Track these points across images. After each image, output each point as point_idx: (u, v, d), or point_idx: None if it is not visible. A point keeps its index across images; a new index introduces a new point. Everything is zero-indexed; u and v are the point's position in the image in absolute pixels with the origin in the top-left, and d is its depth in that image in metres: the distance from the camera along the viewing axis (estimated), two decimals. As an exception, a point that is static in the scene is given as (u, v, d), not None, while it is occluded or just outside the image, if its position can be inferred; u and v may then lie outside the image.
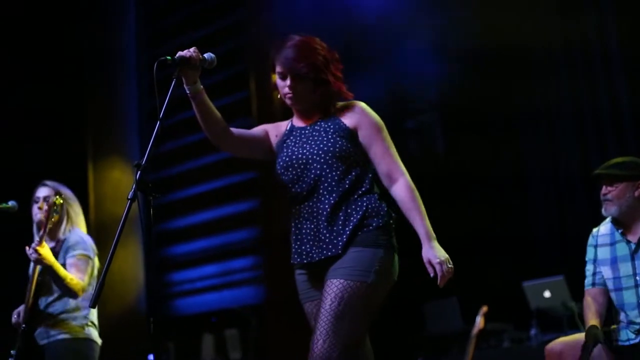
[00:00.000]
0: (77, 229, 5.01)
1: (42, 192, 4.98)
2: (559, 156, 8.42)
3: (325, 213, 3.47)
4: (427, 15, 8.69)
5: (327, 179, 3.50)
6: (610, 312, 4.64)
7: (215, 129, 3.60)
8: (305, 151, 3.55)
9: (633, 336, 4.41)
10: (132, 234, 9.80)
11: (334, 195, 3.48)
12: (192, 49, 3.46)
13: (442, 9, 8.67)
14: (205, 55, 3.50)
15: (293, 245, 3.56)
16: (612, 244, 4.58)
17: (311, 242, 3.50)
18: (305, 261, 3.51)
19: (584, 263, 4.70)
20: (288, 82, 3.56)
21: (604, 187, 4.53)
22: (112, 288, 9.10)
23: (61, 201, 4.81)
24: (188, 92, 3.51)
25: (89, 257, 4.88)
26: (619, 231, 4.55)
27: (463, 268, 8.24)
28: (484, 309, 6.86)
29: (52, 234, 4.95)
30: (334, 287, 3.36)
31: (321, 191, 3.50)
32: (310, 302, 3.59)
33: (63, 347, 4.79)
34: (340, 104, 3.67)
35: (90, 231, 8.98)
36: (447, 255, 3.44)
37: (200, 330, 9.25)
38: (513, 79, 8.43)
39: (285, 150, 3.62)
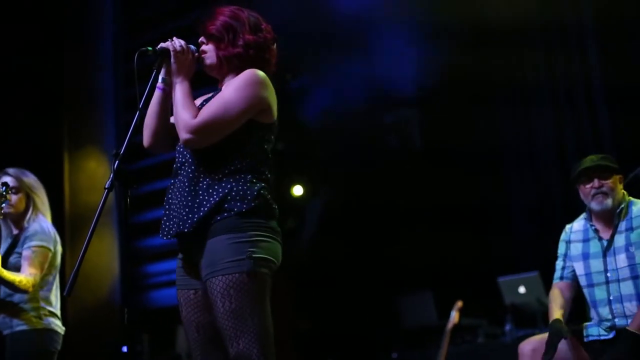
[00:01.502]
0: (41, 217, 4.94)
1: (6, 181, 4.84)
2: (538, 149, 8.45)
3: (186, 188, 3.31)
4: (404, 7, 8.69)
5: (195, 154, 3.34)
6: (582, 308, 4.67)
7: (163, 128, 3.47)
8: None
9: (605, 333, 4.43)
10: (107, 225, 9.75)
11: (196, 170, 3.31)
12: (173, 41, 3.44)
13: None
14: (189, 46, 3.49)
15: (162, 220, 3.41)
16: (585, 240, 4.60)
17: (173, 219, 3.34)
18: (165, 238, 3.36)
19: (557, 257, 4.73)
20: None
21: (596, 181, 4.50)
22: (87, 279, 9.06)
23: (7, 194, 4.71)
24: (161, 82, 3.43)
25: (46, 248, 4.80)
26: (592, 228, 4.57)
27: (438, 262, 8.38)
28: (459, 303, 6.90)
29: (18, 223, 4.91)
30: (216, 287, 3.20)
31: (187, 165, 3.36)
32: (179, 291, 3.45)
33: (22, 339, 4.74)
34: None
35: (65, 221, 9.08)
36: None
37: (175, 323, 9.21)
38: (492, 59, 8.43)
39: None
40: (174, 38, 3.42)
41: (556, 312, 4.50)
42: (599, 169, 4.52)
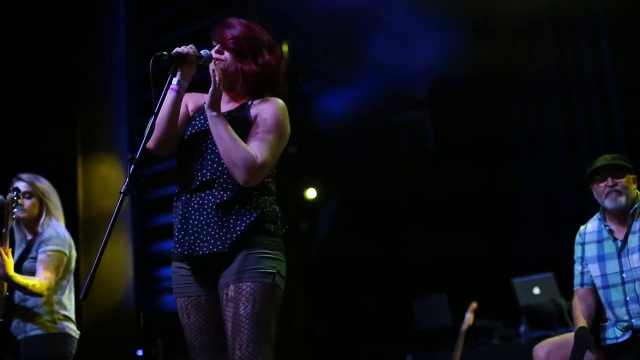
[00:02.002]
0: (55, 221, 4.96)
1: (19, 187, 4.86)
2: (551, 145, 8.41)
3: (215, 207, 3.38)
4: (413, 3, 8.67)
5: (223, 173, 3.41)
6: (600, 310, 4.65)
7: (171, 131, 3.50)
8: (207, 138, 3.46)
9: (620, 333, 4.42)
10: (121, 229, 9.77)
11: (228, 192, 3.40)
12: (189, 45, 3.46)
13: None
14: (202, 52, 3.50)
15: (176, 234, 3.46)
16: (600, 241, 4.59)
17: (196, 234, 3.40)
18: (186, 252, 3.41)
19: (573, 261, 4.71)
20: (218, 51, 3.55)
21: (609, 179, 4.51)
22: (101, 283, 9.07)
23: (18, 199, 4.72)
24: (175, 85, 3.45)
25: (61, 252, 4.82)
26: (607, 228, 4.56)
27: (452, 263, 8.36)
28: (473, 305, 6.88)
29: (32, 228, 4.93)
30: (244, 290, 3.33)
31: (216, 185, 3.41)
32: (186, 298, 3.50)
33: (36, 344, 4.75)
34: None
35: (78, 226, 9.09)
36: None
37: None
38: (503, 52, 8.39)
39: (190, 129, 3.55)
40: (215, 73, 3.40)
41: (581, 320, 4.48)
42: (613, 167, 4.53)
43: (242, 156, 3.33)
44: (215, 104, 3.39)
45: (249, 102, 3.53)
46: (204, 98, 3.52)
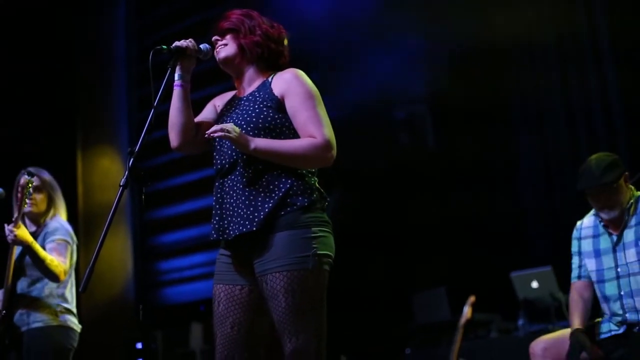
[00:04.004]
0: (58, 216, 5.00)
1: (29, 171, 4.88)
2: (550, 148, 8.41)
3: (243, 187, 3.35)
4: (417, 8, 8.66)
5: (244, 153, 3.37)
6: (596, 303, 4.67)
7: (187, 126, 3.53)
8: (230, 122, 3.42)
9: (616, 328, 4.44)
10: (120, 222, 9.80)
11: (253, 168, 3.35)
12: (188, 40, 3.50)
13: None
14: (201, 45, 3.54)
15: (212, 220, 3.44)
16: (595, 236, 4.60)
17: (229, 218, 3.37)
18: (221, 237, 3.39)
19: (571, 255, 4.73)
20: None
21: (602, 198, 4.43)
22: (100, 276, 9.10)
23: (32, 183, 4.75)
24: (178, 80, 3.49)
25: (68, 243, 4.86)
26: (602, 224, 4.56)
27: (451, 258, 8.37)
28: (472, 299, 6.88)
29: (36, 220, 4.96)
30: (279, 282, 3.27)
31: (242, 164, 3.37)
32: (221, 286, 3.46)
33: (38, 336, 4.77)
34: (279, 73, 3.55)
35: (78, 220, 9.12)
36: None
37: (188, 319, 9.25)
38: (503, 71, 8.40)
39: (217, 119, 3.57)
40: (224, 135, 3.30)
41: (576, 321, 4.49)
42: (602, 188, 4.44)
43: (305, 151, 3.34)
44: (244, 145, 3.30)
45: (269, 79, 3.52)
46: (231, 94, 3.63)
